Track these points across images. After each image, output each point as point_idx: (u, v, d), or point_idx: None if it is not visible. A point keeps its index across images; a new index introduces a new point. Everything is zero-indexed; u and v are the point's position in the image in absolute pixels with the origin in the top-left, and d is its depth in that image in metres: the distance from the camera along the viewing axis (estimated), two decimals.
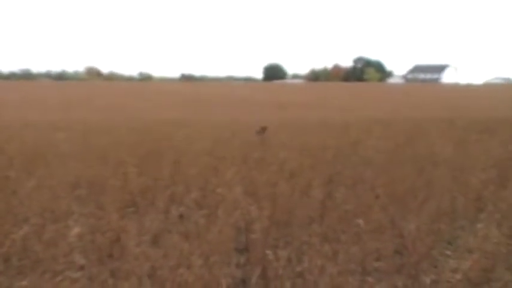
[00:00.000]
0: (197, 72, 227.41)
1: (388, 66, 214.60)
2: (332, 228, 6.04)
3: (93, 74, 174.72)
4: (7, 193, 6.93)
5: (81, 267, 4.85)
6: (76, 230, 5.46)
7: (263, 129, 13.11)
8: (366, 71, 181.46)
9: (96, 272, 4.77)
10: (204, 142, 12.14)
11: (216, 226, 5.85)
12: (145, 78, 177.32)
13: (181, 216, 6.49)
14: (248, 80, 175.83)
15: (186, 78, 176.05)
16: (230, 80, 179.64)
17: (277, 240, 5.70)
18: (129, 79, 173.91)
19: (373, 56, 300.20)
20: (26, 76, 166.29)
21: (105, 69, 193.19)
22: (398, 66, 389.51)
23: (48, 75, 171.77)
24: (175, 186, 7.58)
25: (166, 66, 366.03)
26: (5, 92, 57.85)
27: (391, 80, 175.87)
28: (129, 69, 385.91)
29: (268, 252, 5.17)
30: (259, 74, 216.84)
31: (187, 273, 4.69)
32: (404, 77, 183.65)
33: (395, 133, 14.93)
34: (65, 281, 4.52)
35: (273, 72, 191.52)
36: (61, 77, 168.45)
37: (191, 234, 5.75)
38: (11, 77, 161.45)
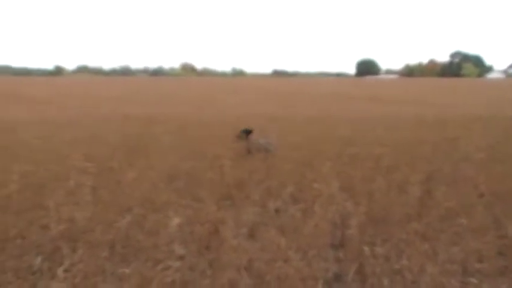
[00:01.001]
0: (289, 68, 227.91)
1: (488, 61, 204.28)
2: (431, 227, 5.79)
3: (188, 70, 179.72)
4: (111, 183, 7.22)
5: (181, 257, 4.94)
6: (176, 221, 5.58)
7: (247, 133, 10.59)
8: (464, 66, 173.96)
9: (195, 262, 4.85)
10: (297, 136, 12.09)
11: (312, 221, 5.77)
12: (238, 74, 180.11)
13: (277, 210, 6.47)
14: (340, 76, 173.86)
15: (278, 74, 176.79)
16: (322, 75, 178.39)
17: (374, 236, 5.54)
18: (222, 75, 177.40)
19: (471, 51, 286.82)
20: (125, 72, 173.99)
21: (199, 66, 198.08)
22: (498, 61, 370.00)
23: (145, 72, 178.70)
24: (270, 180, 7.59)
25: (259, 63, 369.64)
26: (107, 87, 60.81)
27: (490, 75, 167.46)
28: (223, 65, 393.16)
29: (365, 248, 5.05)
30: (351, 70, 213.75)
31: (285, 267, 4.66)
32: (505, 71, 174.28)
33: (496, 130, 14.17)
34: (165, 270, 4.62)
35: (366, 68, 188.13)
36: (157, 73, 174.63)
37: (287, 228, 5.72)
38: (112, 73, 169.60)
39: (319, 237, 5.39)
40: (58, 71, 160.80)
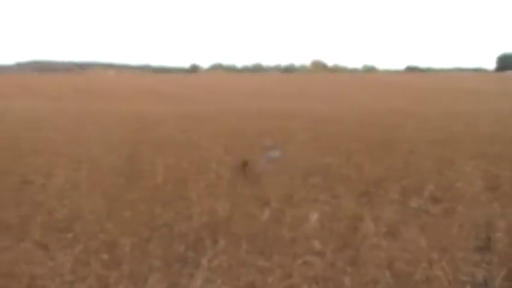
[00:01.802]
0: (423, 63, 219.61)
1: None
2: None
3: (318, 67, 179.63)
4: (250, 176, 7.34)
5: (320, 253, 4.87)
6: (314, 216, 5.53)
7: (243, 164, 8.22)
8: None
9: (334, 259, 4.76)
10: (435, 133, 11.56)
11: (456, 222, 5.44)
12: (369, 70, 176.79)
13: (417, 209, 6.19)
14: (478, 71, 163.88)
15: (411, 70, 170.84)
16: (458, 71, 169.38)
17: None
18: (353, 71, 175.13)
19: None
20: (257, 69, 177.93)
21: (330, 62, 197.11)
22: None
23: (276, 68, 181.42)
24: (409, 178, 7.29)
25: (391, 58, 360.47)
26: (240, 83, 62.64)
27: None
28: (354, 61, 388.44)
29: None
30: (490, 65, 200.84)
31: (429, 268, 4.42)
32: None
33: None
34: (305, 265, 4.58)
35: (509, 62, 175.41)
36: (288, 69, 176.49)
37: (428, 228, 5.44)
38: (244, 70, 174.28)
39: (463, 239, 5.06)
40: (194, 69, 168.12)
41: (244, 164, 8.06)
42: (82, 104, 27.08)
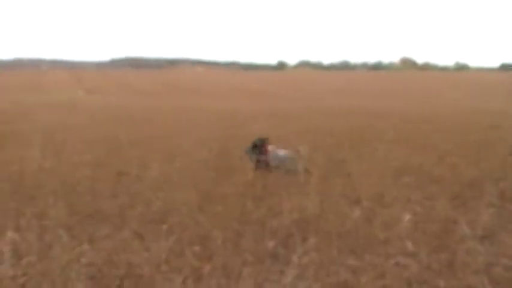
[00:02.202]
0: None
1: None
2: None
3: (407, 64, 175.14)
4: (340, 175, 7.29)
5: (414, 254, 4.75)
6: (407, 217, 5.40)
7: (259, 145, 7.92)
8: None
9: (429, 261, 4.63)
10: None
11: None
12: (461, 68, 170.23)
13: None
14: None
15: (506, 68, 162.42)
16: None
17: None
18: (444, 69, 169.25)
19: None
20: (344, 66, 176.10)
21: (420, 60, 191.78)
22: None
23: (364, 66, 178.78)
24: (507, 180, 6.96)
25: (485, 56, 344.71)
26: (328, 81, 62.22)
27: None
28: (445, 59, 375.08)
29: None
30: None
31: None
32: None
33: None
34: (398, 266, 4.48)
35: None
36: (376, 67, 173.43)
37: None
38: (331, 67, 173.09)
39: None
40: (281, 66, 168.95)
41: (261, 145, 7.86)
42: (173, 99, 27.93)
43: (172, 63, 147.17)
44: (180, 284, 4.14)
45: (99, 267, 4.39)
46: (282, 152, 7.84)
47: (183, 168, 7.61)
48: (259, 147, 7.79)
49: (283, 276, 4.41)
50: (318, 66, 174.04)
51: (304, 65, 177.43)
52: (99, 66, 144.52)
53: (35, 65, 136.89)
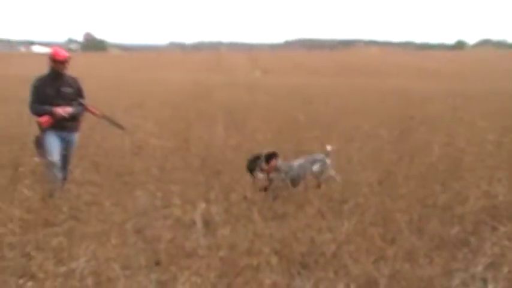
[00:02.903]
0: None
1: None
2: None
3: None
4: None
5: None
6: None
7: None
8: None
9: None
10: None
11: None
12: None
13: None
14: None
15: None
16: None
17: None
18: None
19: None
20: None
21: None
22: None
23: None
24: None
25: None
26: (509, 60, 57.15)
27: None
28: None
29: None
30: None
31: None
32: None
33: None
34: None
35: None
36: None
37: None
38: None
39: None
40: (459, 45, 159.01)
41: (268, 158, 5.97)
42: (347, 80, 27.76)
43: (346, 43, 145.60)
44: (367, 263, 4.10)
45: (284, 243, 4.52)
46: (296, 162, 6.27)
47: (363, 149, 7.55)
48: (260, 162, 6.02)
49: (473, 264, 4.19)
50: (502, 45, 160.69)
51: (486, 43, 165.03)
52: (273, 47, 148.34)
53: (215, 47, 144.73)
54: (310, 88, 19.98)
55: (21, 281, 4.04)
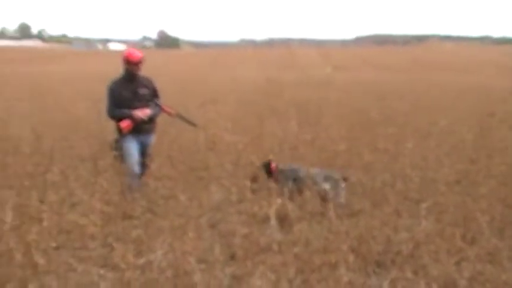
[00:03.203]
0: None
1: None
2: None
3: None
4: None
5: None
6: None
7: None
8: None
9: None
10: None
11: None
12: None
13: None
14: None
15: None
16: None
17: None
18: None
19: None
20: None
21: None
22: None
23: None
24: None
25: None
26: None
27: None
28: None
29: None
30: None
31: None
32: None
33: None
34: None
35: None
36: None
37: None
38: None
39: None
40: None
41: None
42: (422, 76, 27.02)
43: (420, 39, 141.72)
44: (448, 264, 3.97)
45: (361, 241, 4.45)
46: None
47: (440, 146, 7.32)
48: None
49: None
50: None
51: None
52: (344, 43, 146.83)
53: (285, 43, 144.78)
54: (383, 84, 19.59)
55: (102, 271, 4.21)
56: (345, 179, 5.85)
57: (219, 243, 4.56)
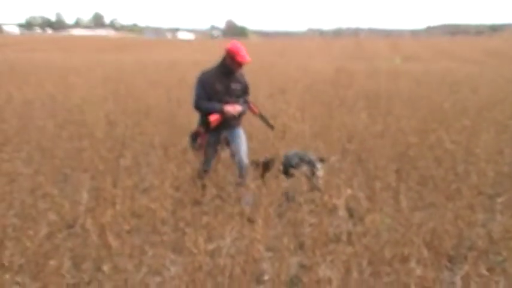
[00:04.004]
0: None
1: None
2: None
3: None
4: None
5: None
6: None
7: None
8: None
9: None
10: None
11: None
12: None
13: None
14: None
15: None
16: None
17: None
18: None
19: None
20: None
21: None
22: None
23: None
24: None
25: None
26: None
27: None
28: None
29: None
30: None
31: None
32: None
33: None
34: None
35: None
36: None
37: None
38: None
39: None
40: None
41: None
42: (498, 67, 25.91)
43: (494, 28, 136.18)
44: None
45: (433, 234, 4.34)
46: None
47: None
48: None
49: None
50: None
51: None
52: (414, 33, 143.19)
53: (353, 33, 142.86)
54: (455, 75, 18.91)
55: (173, 256, 4.30)
56: (322, 160, 5.81)
57: (288, 232, 4.57)
